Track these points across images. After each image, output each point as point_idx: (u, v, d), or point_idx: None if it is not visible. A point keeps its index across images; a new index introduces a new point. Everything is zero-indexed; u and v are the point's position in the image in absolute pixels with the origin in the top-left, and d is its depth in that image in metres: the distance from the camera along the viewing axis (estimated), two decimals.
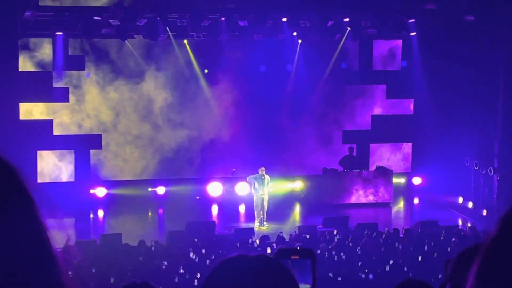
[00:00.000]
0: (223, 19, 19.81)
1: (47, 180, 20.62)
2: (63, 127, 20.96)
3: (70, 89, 20.92)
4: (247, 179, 18.94)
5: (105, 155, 21.48)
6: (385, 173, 21.17)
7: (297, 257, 1.83)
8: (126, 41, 20.21)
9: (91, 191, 20.73)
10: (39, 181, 20.40)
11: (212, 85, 21.74)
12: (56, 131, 20.90)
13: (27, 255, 1.05)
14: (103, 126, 21.34)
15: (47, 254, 1.07)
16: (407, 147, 23.55)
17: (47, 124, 20.74)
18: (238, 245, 15.01)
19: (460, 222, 19.04)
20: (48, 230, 1.11)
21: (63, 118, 20.95)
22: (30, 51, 20.28)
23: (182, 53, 21.22)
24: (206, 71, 21.58)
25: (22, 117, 20.08)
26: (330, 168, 21.17)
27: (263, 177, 18.36)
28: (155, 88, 21.54)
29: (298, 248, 1.85)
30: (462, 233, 16.35)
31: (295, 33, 20.76)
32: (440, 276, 12.80)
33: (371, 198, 20.79)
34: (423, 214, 19.49)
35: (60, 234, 13.83)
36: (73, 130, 21.06)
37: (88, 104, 21.13)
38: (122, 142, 21.55)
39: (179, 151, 21.82)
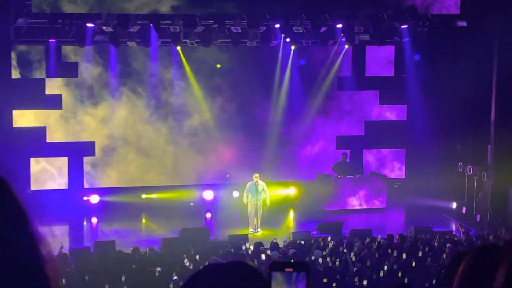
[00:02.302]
0: (216, 25, 19.80)
1: (40, 188, 20.53)
2: (56, 134, 20.91)
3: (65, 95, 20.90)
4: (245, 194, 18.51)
5: (98, 161, 21.41)
6: (379, 178, 21.18)
7: (291, 269, 1.79)
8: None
9: (85, 198, 20.67)
10: (32, 188, 20.33)
11: (204, 90, 21.73)
12: (49, 138, 20.81)
13: (16, 267, 1.03)
14: (96, 132, 21.28)
15: (36, 265, 1.06)
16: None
17: (40, 131, 20.65)
18: (232, 251, 14.99)
19: (454, 227, 19.06)
20: (41, 240, 1.09)
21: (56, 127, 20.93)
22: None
23: (175, 60, 21.23)
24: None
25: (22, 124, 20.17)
26: (324, 174, 21.17)
27: (256, 183, 18.29)
28: (150, 92, 21.52)
29: (292, 260, 1.84)
30: (456, 239, 16.37)
31: (288, 39, 20.78)
32: (434, 281, 12.82)
33: (365, 204, 20.78)
34: (417, 220, 19.48)
35: (54, 242, 13.79)
36: (69, 138, 20.99)
37: (81, 111, 21.11)
38: (116, 148, 21.48)
39: (173, 157, 21.78)
